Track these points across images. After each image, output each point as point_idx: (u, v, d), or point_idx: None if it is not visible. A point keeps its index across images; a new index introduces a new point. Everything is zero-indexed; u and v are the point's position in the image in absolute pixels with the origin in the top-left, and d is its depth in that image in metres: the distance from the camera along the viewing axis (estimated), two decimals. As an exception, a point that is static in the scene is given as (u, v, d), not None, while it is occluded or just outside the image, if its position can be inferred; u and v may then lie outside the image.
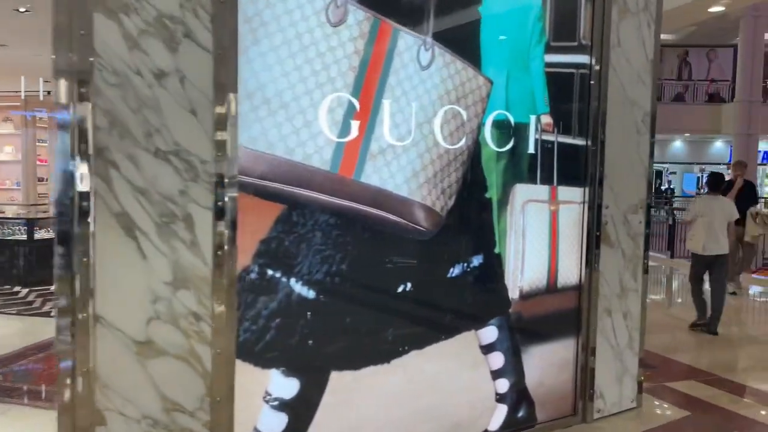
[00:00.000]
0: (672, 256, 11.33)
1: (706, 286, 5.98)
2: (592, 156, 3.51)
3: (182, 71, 2.18)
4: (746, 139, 22.93)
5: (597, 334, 3.59)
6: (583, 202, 3.54)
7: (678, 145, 28.14)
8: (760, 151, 24.60)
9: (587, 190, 3.53)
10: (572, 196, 3.52)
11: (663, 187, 29.23)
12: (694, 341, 5.88)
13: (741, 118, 22.83)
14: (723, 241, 5.71)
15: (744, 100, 22.86)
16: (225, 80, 2.26)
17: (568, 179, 3.49)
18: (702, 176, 31.85)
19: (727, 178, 7.55)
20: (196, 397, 2.26)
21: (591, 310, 3.56)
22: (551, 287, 3.47)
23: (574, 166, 3.52)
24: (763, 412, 3.92)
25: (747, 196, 7.25)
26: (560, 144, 3.44)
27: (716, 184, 6.10)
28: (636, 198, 3.74)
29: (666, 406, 4.00)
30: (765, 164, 27.91)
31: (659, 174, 31.45)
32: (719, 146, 27.38)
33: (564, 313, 3.55)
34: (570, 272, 3.54)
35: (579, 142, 3.52)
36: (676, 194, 27.75)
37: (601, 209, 3.54)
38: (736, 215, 5.86)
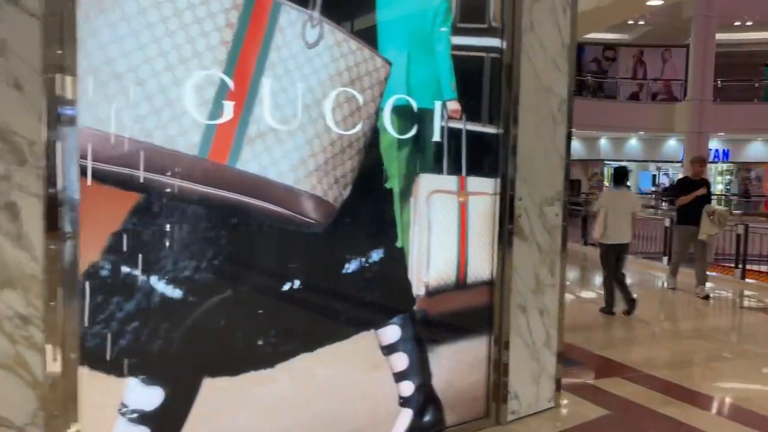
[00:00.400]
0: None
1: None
2: (503, 145, 3.33)
3: (2, 38, 1.90)
4: (697, 137, 23.44)
5: (511, 332, 3.42)
6: (495, 194, 3.36)
7: (633, 143, 28.61)
8: (710, 149, 25.19)
9: (499, 181, 3.35)
10: (483, 187, 3.34)
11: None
12: (625, 336, 5.82)
13: (692, 117, 23.33)
14: (627, 231, 6.27)
15: (695, 99, 23.36)
16: (58, 51, 1.98)
17: (478, 169, 3.30)
18: (658, 174, 32.55)
19: (680, 175, 7.66)
20: (26, 411, 1.99)
21: (504, 307, 3.38)
22: (461, 283, 3.28)
23: (485, 156, 3.34)
24: (682, 410, 3.82)
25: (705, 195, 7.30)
26: (469, 132, 3.25)
27: (620, 178, 6.66)
28: (552, 190, 3.59)
29: (586, 405, 3.86)
30: (716, 162, 28.62)
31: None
32: (673, 144, 27.94)
33: (475, 310, 3.37)
34: (481, 267, 3.36)
35: (490, 130, 3.33)
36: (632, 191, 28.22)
37: (513, 201, 3.38)
38: (639, 207, 6.64)
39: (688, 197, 7.22)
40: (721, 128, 24.23)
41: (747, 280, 8.55)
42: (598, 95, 26.62)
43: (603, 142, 28.53)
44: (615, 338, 5.68)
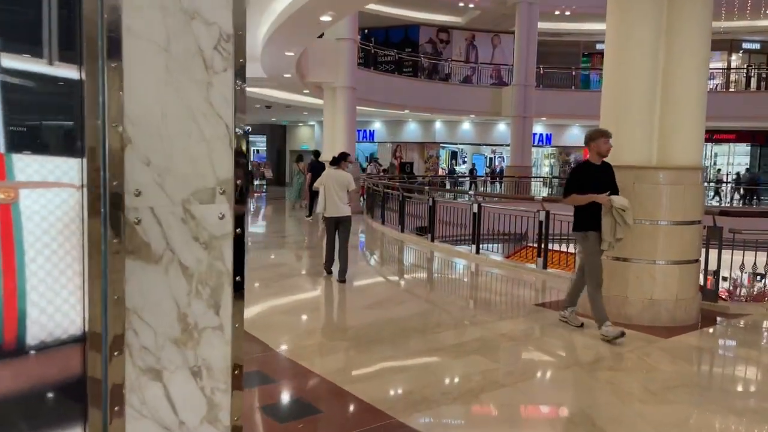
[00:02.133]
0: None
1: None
2: (92, 100, 1.96)
3: None
4: (522, 121, 24.23)
5: (130, 415, 2.09)
6: (82, 186, 1.99)
7: (466, 126, 29.16)
8: (534, 134, 26.32)
9: (87, 163, 1.98)
10: (54, 172, 1.94)
11: (449, 168, 30.21)
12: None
13: (518, 102, 24.05)
14: (342, 206, 7.07)
15: (520, 85, 24.11)
16: None
17: (39, 143, 1.90)
18: (494, 157, 33.76)
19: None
20: None
21: (110, 378, 2.04)
22: (10, 346, 1.88)
23: (55, 119, 1.94)
24: None
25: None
26: (13, 73, 1.83)
27: (337, 160, 7.39)
28: (211, 178, 2.28)
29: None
30: (540, 146, 30.12)
31: (455, 155, 32.66)
32: (502, 128, 28.91)
33: (56, 391, 1.99)
34: (62, 312, 1.98)
35: (62, 71, 1.94)
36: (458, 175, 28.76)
37: (122, 198, 2.02)
38: (353, 185, 7.23)
39: (597, 197, 4.85)
40: (543, 113, 25.35)
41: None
42: (434, 77, 26.63)
43: (438, 125, 28.70)
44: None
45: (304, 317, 5.70)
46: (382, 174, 21.57)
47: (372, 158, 29.24)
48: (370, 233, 12.87)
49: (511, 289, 7.28)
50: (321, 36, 17.04)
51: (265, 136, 33.14)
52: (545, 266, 7.87)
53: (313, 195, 10.90)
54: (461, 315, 5.80)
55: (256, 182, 26.45)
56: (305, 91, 18.41)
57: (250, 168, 26.66)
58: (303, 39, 11.38)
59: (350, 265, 7.24)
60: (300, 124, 32.02)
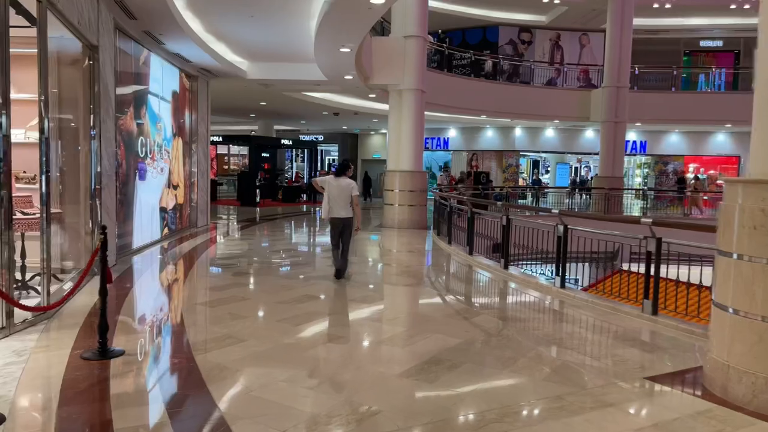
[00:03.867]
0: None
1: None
2: None
3: None
4: (614, 127, 21.73)
5: None
6: None
7: (550, 133, 26.81)
8: (626, 141, 23.66)
9: None
10: None
11: (533, 178, 27.89)
12: None
13: (609, 105, 21.57)
14: (345, 211, 7.62)
15: (612, 86, 21.63)
16: None
17: None
18: (580, 167, 31.09)
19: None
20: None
21: None
22: None
23: None
24: None
25: None
26: None
27: (342, 169, 7.84)
28: None
29: None
30: (633, 154, 27.26)
31: (537, 164, 30.33)
32: (590, 136, 26.35)
33: None
34: None
35: None
36: (547, 187, 26.40)
37: None
38: (356, 191, 7.71)
39: None
40: (638, 118, 22.70)
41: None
42: (514, 80, 24.58)
43: (518, 132, 26.55)
44: None
45: (313, 383, 4.16)
46: (460, 185, 19.73)
47: (444, 167, 27.51)
48: (436, 253, 11.21)
49: (607, 345, 5.42)
50: (386, 34, 15.65)
51: (336, 145, 32.18)
52: (655, 310, 5.93)
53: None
54: (535, 390, 4.05)
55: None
56: (371, 96, 17.05)
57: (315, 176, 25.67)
58: (356, 29, 9.94)
59: (412, 289, 7.16)
60: (372, 132, 30.81)
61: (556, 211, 7.53)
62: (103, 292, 4.50)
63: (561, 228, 7.22)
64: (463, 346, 4.98)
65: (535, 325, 6.15)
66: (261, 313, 6.05)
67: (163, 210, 11.43)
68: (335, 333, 5.35)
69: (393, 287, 8.15)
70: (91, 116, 7.50)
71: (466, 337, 5.25)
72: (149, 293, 7.20)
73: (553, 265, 7.44)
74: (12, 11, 4.93)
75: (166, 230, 11.60)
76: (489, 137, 26.85)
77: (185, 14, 9.80)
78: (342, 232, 7.73)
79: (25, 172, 7.77)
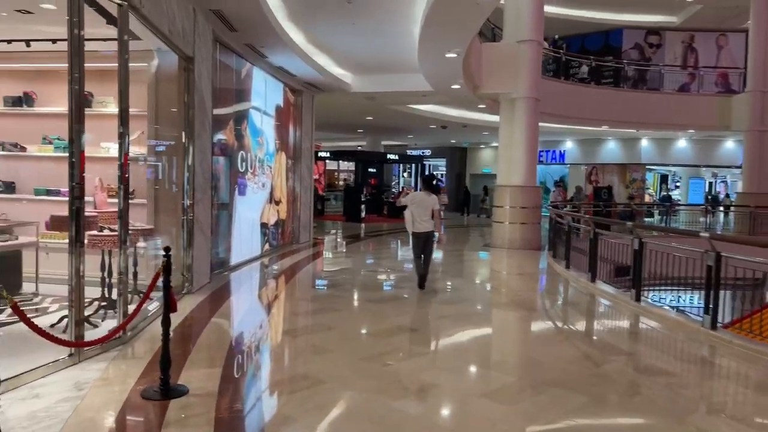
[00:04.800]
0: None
1: None
2: None
3: None
4: (759, 136, 19.05)
5: None
6: None
7: (682, 145, 24.21)
8: (776, 152, 20.66)
9: None
10: None
11: (662, 194, 25.30)
12: None
13: (752, 112, 18.97)
14: (427, 224, 7.99)
15: (756, 91, 19.03)
16: None
17: None
18: (715, 182, 27.93)
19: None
20: None
21: None
22: None
23: None
24: None
25: None
26: None
27: (428, 183, 8.41)
28: None
29: None
30: (783, 167, 23.84)
31: (665, 178, 27.63)
32: (730, 147, 23.46)
33: None
34: None
35: None
36: (678, 204, 23.80)
37: None
38: (438, 206, 8.10)
39: None
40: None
41: None
42: (640, 87, 22.45)
43: (644, 144, 24.24)
44: None
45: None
46: (576, 202, 18.15)
47: (560, 182, 25.75)
48: (551, 277, 10.00)
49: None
50: (496, 40, 14.67)
51: (444, 160, 31.36)
52: None
53: None
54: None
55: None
56: (480, 106, 16.09)
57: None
58: (462, 31, 9.10)
59: (523, 322, 6.35)
60: (481, 146, 29.67)
61: (705, 235, 6.17)
62: (165, 323, 3.98)
63: (712, 255, 5.88)
64: (592, 407, 3.92)
65: (685, 380, 4.89)
66: (346, 348, 5.32)
67: (264, 226, 11.21)
68: (429, 380, 4.49)
69: (501, 319, 7.15)
70: (185, 129, 7.27)
71: (594, 393, 4.18)
72: (234, 317, 6.75)
73: (694, 294, 6.09)
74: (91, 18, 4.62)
75: (267, 246, 11.36)
76: (610, 149, 24.78)
77: (286, 25, 9.50)
78: (425, 244, 8.05)
79: (123, 187, 7.69)
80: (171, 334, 4.02)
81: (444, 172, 31.67)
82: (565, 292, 8.93)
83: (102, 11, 5.30)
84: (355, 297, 7.94)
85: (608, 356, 5.42)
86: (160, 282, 4.08)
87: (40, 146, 7.84)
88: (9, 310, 6.20)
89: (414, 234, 8.07)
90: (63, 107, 7.62)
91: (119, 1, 4.94)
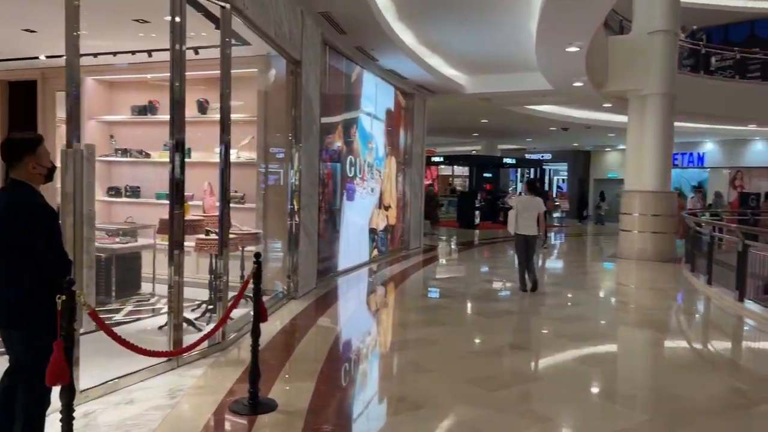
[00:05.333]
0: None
1: None
2: None
3: None
4: None
5: None
6: None
7: None
8: None
9: None
10: None
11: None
12: None
13: None
14: (530, 227, 8.03)
15: None
16: None
17: None
18: None
19: None
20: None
21: None
22: None
23: None
24: None
25: None
26: None
27: (532, 186, 8.58)
28: None
29: None
30: None
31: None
32: None
33: None
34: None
35: None
36: None
37: None
38: (543, 208, 8.17)
39: None
40: None
41: None
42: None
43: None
44: None
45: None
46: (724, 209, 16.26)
47: (698, 187, 23.36)
48: (689, 295, 8.86)
49: None
50: (624, 32, 13.47)
51: (566, 164, 29.74)
52: None
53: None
54: None
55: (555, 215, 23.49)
56: (606, 105, 14.90)
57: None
58: (584, 21, 8.31)
59: (656, 347, 5.63)
60: (607, 149, 27.75)
61: None
62: (254, 333, 3.78)
63: None
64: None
65: None
66: (450, 367, 4.87)
67: (372, 231, 11.03)
68: (542, 411, 3.92)
69: (630, 342, 6.33)
70: (293, 134, 7.21)
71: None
72: (335, 326, 6.53)
73: None
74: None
75: (375, 252, 11.18)
76: (758, 151, 22.11)
77: (396, 26, 9.25)
78: (527, 247, 8.06)
79: (236, 191, 7.81)
80: (258, 346, 3.81)
81: (565, 177, 30.05)
82: (706, 312, 7.82)
83: (208, 15, 5.32)
84: (464, 309, 7.45)
85: (764, 393, 4.49)
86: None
87: (161, 152, 8.19)
88: (126, 310, 6.48)
89: (516, 235, 8.15)
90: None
91: (222, 3, 4.89)
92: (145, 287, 7.21)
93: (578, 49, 9.34)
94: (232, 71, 7.54)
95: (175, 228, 4.52)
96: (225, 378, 4.31)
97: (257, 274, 3.78)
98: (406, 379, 4.63)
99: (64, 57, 7.79)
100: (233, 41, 6.64)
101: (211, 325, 5.44)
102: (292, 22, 6.82)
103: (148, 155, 8.18)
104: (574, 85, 11.92)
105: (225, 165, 5.07)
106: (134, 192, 8.29)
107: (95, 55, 7.63)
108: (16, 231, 2.63)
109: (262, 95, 7.38)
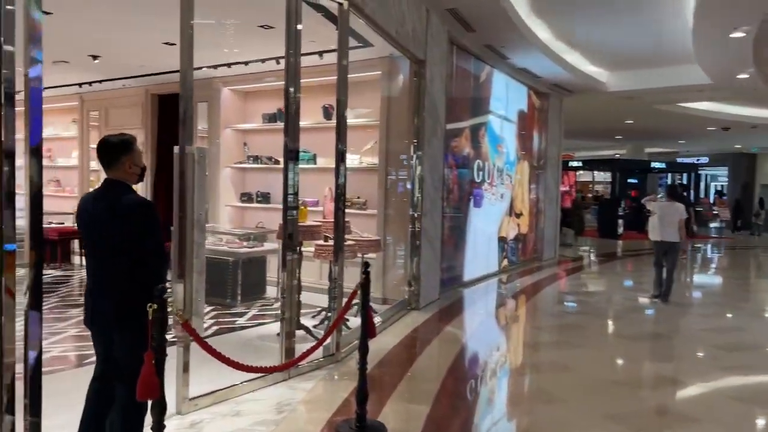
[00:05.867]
0: None
1: None
2: None
3: None
4: None
5: None
6: None
7: None
8: None
9: None
10: None
11: None
12: None
13: None
14: (670, 234, 7.84)
15: None
16: None
17: None
18: None
19: None
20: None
21: None
22: None
23: None
24: None
25: None
26: None
27: (673, 192, 8.66)
28: None
29: None
30: None
31: None
32: None
33: None
34: None
35: None
36: None
37: None
38: (685, 215, 7.91)
39: None
40: None
41: None
42: None
43: None
44: None
45: None
46: None
47: None
48: None
49: None
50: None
51: (726, 168, 26.64)
52: None
53: None
54: None
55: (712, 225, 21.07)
56: (778, 100, 12.95)
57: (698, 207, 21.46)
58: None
59: None
60: (776, 151, 24.44)
61: None
62: (362, 350, 3.49)
63: None
64: None
65: None
66: (585, 398, 4.24)
67: (502, 240, 10.43)
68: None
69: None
70: (416, 137, 6.92)
71: None
72: (457, 342, 6.07)
73: None
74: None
75: (505, 262, 10.56)
76: None
77: (529, 21, 8.63)
78: (666, 254, 7.91)
79: (358, 197, 7.69)
80: (365, 365, 3.51)
81: (725, 183, 26.92)
82: None
83: (328, 16, 5.19)
84: (604, 330, 6.66)
85: None
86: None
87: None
88: (250, 314, 6.56)
89: (655, 242, 8.04)
90: (309, 121, 8.04)
91: (340, 0, 4.71)
92: (270, 291, 7.29)
93: (744, 34, 8.07)
94: (355, 75, 7.48)
95: (287, 233, 4.38)
96: (335, 394, 4.08)
97: (365, 285, 3.49)
98: (533, 409, 4.10)
99: (203, 69, 8.14)
100: (355, 43, 6.53)
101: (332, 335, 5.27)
102: (416, 19, 6.53)
103: (277, 162, 8.33)
104: (738, 77, 10.43)
105: (343, 172, 4.89)
106: (264, 198, 8.50)
107: (229, 65, 7.92)
108: (123, 232, 2.58)
109: (385, 98, 7.18)
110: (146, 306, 2.39)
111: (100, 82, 9.54)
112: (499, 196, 10.19)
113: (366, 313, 3.51)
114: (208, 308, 6.73)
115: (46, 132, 11.07)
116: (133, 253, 2.59)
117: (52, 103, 11.14)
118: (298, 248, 4.85)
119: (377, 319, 6.07)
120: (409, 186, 6.97)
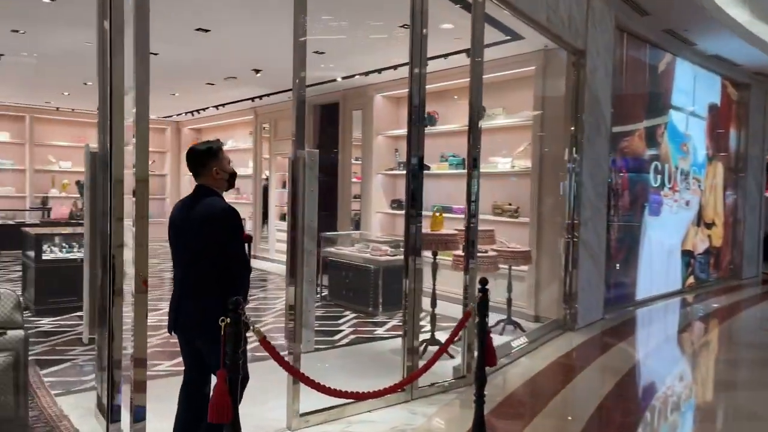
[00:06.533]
0: None
1: None
2: None
3: None
4: None
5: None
6: None
7: None
8: None
9: None
10: None
11: None
12: None
13: None
14: None
15: None
16: None
17: None
18: None
19: None
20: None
21: None
22: None
23: None
24: None
25: None
26: None
27: None
28: None
29: None
30: None
31: None
32: None
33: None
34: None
35: None
36: None
37: None
38: None
39: None
40: None
41: None
42: None
43: None
44: None
45: None
46: None
47: None
48: None
49: None
50: None
51: None
52: None
53: None
54: None
55: None
56: None
57: None
58: None
59: None
60: None
61: None
62: (479, 380, 3.01)
63: None
64: None
65: None
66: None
67: (687, 254, 9.03)
68: None
69: None
70: (573, 136, 6.18)
71: None
72: (616, 374, 5.13)
73: None
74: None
75: (691, 279, 9.13)
76: None
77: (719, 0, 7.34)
78: None
79: (509, 204, 7.13)
80: (483, 400, 3.02)
81: None
82: None
83: (465, 5, 4.77)
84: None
85: None
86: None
87: (439, 164, 8.00)
88: (389, 324, 6.34)
89: None
90: (457, 124, 7.66)
91: (473, -14, 4.28)
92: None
93: None
94: (506, 72, 6.94)
95: (411, 242, 4.05)
96: (456, 424, 3.64)
97: (483, 305, 3.01)
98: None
99: (357, 76, 8.16)
100: (503, 36, 6.00)
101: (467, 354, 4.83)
102: (573, 4, 5.82)
103: (427, 167, 8.06)
104: None
105: (477, 179, 4.45)
106: (414, 204, 8.27)
107: (379, 71, 7.85)
108: (207, 237, 2.52)
109: (539, 96, 6.54)
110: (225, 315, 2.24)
111: (269, 95, 10.13)
112: (684, 203, 8.83)
113: (485, 338, 3.03)
114: (351, 315, 6.66)
115: (228, 144, 12.12)
116: (217, 258, 2.50)
117: (232, 117, 12.16)
118: (434, 257, 4.50)
119: (522, 340, 5.48)
120: (568, 191, 6.24)
